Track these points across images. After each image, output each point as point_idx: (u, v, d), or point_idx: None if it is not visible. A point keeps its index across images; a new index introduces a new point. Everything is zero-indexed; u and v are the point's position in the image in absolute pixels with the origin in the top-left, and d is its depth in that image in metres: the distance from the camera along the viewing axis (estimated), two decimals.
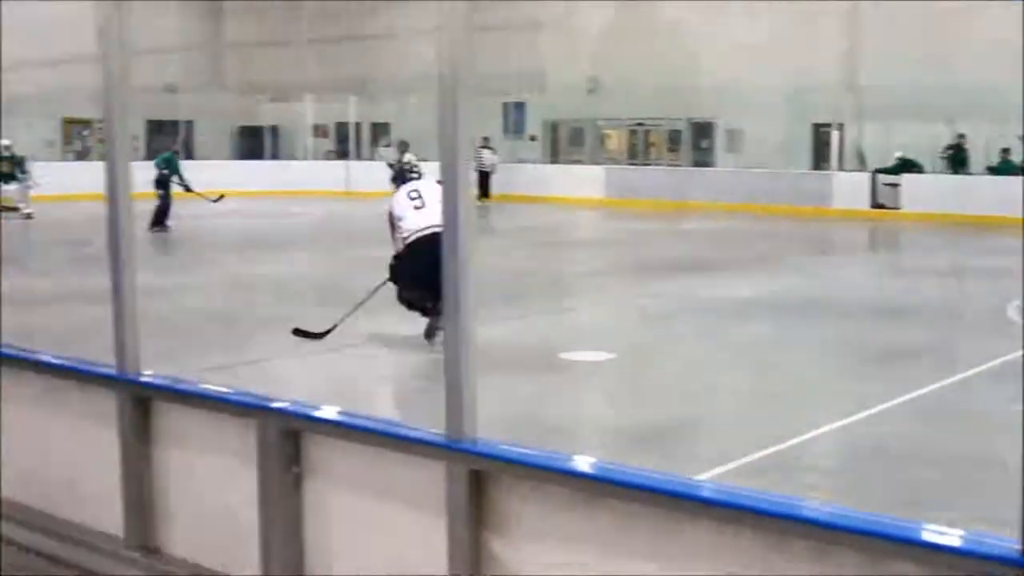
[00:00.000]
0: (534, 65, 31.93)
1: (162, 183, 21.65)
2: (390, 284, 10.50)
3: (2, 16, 27.06)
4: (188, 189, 22.33)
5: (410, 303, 10.34)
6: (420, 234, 10.00)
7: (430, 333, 10.11)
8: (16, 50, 29.48)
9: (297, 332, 10.43)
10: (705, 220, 25.99)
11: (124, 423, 4.69)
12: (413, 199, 10.34)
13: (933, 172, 28.03)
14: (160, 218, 21.75)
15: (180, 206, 22.88)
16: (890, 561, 2.83)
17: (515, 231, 23.24)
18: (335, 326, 10.35)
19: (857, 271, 18.85)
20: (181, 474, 4.66)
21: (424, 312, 10.24)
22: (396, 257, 10.45)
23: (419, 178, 10.71)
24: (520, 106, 35.26)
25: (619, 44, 31.38)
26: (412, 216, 10.20)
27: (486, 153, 31.01)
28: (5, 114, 31.69)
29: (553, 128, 36.08)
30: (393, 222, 10.48)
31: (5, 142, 25.43)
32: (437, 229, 10.55)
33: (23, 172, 25.14)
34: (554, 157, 35.72)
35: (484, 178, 30.63)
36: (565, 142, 36.14)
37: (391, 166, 12.47)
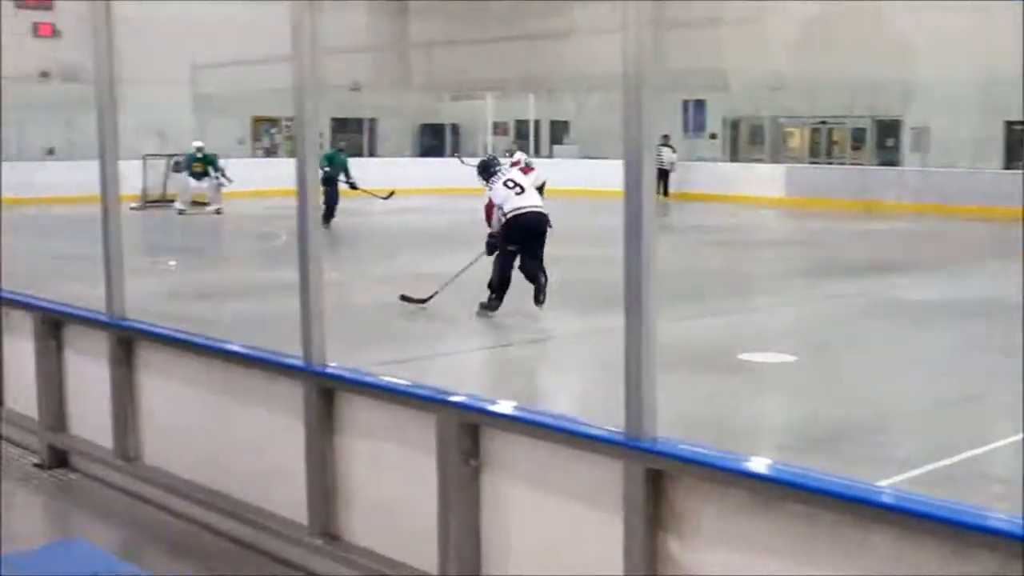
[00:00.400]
0: (715, 62, 31.58)
1: (328, 180, 22.00)
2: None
3: (193, 20, 28.15)
4: (354, 187, 22.58)
5: (504, 281, 11.68)
6: (521, 211, 11.70)
7: (538, 298, 11.61)
8: (208, 52, 30.62)
9: (403, 298, 12.08)
10: (890, 220, 25.30)
11: (309, 413, 4.83)
12: (511, 187, 11.83)
13: None
14: (325, 215, 22.15)
15: (365, 203, 23.37)
16: None
17: (694, 229, 23.03)
18: (436, 293, 11.97)
19: None
20: (362, 464, 4.77)
21: (534, 281, 11.63)
22: (493, 235, 11.94)
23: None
24: (700, 104, 34.91)
25: (804, 41, 30.78)
26: (513, 199, 11.74)
27: (665, 151, 30.83)
28: (198, 112, 32.92)
29: (733, 126, 35.61)
30: (492, 210, 11.97)
31: (198, 143, 26.37)
32: (537, 208, 11.85)
33: (216, 170, 26.02)
34: (734, 155, 35.25)
35: (663, 176, 30.47)
36: (745, 140, 35.63)
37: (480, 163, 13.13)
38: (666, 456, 3.59)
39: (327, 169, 22.10)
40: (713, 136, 35.48)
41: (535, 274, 11.67)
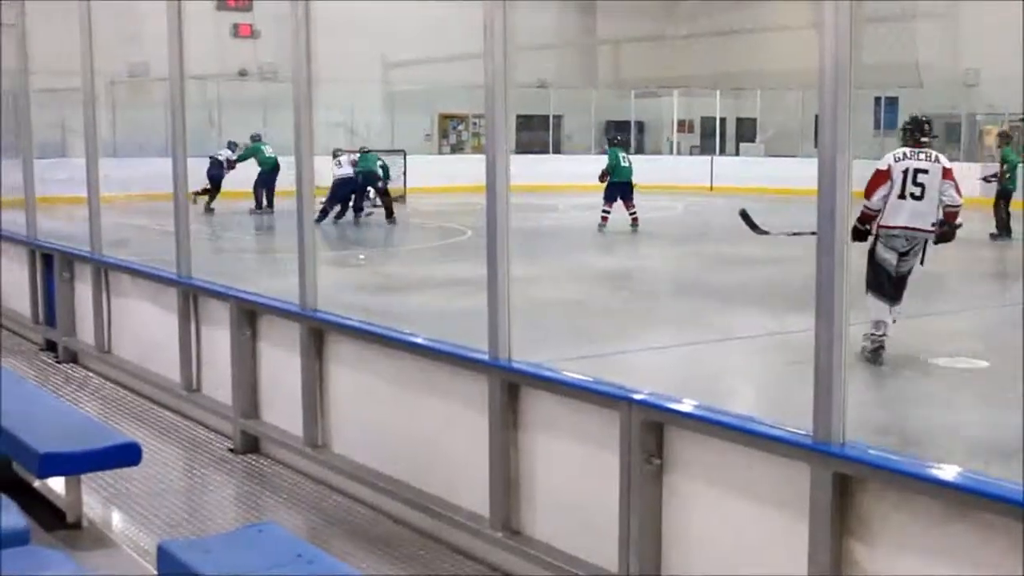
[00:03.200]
0: (909, 58, 30.69)
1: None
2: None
3: (387, 18, 28.71)
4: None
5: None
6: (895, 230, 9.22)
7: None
8: (400, 50, 31.21)
9: (744, 216, 10.35)
10: None
11: (493, 407, 4.88)
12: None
13: None
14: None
15: (551, 198, 23.47)
16: None
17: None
18: (769, 233, 10.44)
19: None
20: (544, 459, 4.80)
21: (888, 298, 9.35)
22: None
23: None
24: (892, 101, 33.99)
25: (1001, 34, 29.66)
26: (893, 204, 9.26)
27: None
28: (387, 109, 33.55)
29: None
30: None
31: (363, 147, 26.82)
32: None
33: (384, 175, 26.49)
34: None
35: None
36: (939, 138, 34.54)
37: None
38: (855, 461, 3.52)
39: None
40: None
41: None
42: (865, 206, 9.12)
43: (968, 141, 33.78)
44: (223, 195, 23.56)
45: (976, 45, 30.75)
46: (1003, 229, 19.68)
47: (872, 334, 9.08)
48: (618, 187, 20.58)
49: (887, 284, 9.33)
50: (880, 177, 9.21)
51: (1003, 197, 20.49)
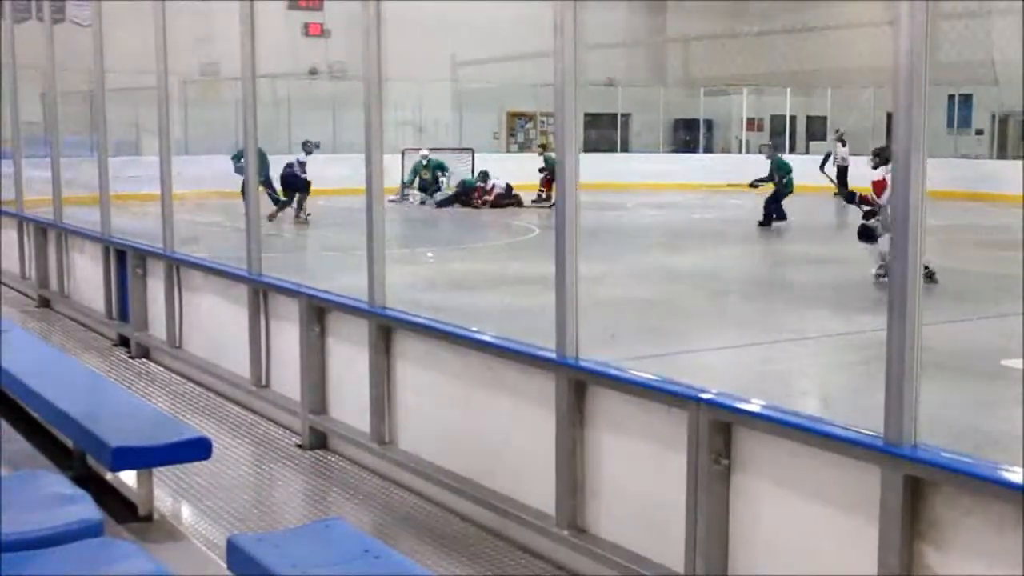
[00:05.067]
0: (983, 55, 30.22)
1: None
2: None
3: (457, 18, 28.77)
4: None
5: None
6: None
7: None
8: (469, 49, 31.29)
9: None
10: None
11: (560, 405, 4.87)
12: None
13: None
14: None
15: (619, 197, 23.42)
16: None
17: (957, 229, 22.12)
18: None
19: None
20: (611, 458, 4.79)
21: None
22: None
23: None
24: (967, 99, 33.51)
25: None
26: None
27: (840, 148, 30.13)
28: (456, 109, 33.67)
29: (1002, 122, 34.02)
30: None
31: (424, 152, 26.87)
32: None
33: (443, 174, 26.54)
34: (1001, 152, 33.69)
35: (842, 174, 29.70)
36: (1015, 136, 33.98)
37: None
38: (927, 464, 3.47)
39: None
40: (980, 132, 33.97)
41: None
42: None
43: None
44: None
45: None
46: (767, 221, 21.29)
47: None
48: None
49: None
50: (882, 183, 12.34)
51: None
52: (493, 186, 25.65)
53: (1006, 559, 3.30)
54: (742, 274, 14.77)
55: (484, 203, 25.24)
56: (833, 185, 29.32)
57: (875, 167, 13.23)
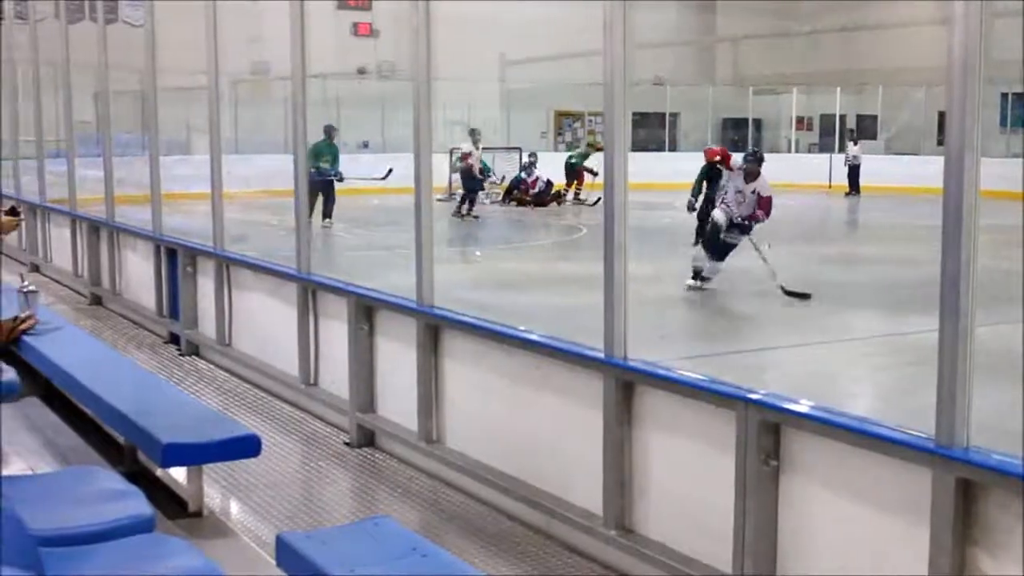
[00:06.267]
0: None
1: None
2: None
3: (507, 17, 28.78)
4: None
5: None
6: None
7: None
8: (518, 48, 31.29)
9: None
10: None
11: (608, 405, 4.87)
12: None
13: None
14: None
15: (663, 197, 23.29)
16: None
17: (1009, 229, 21.81)
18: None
19: None
20: (659, 458, 4.78)
21: None
22: None
23: None
24: (1021, 98, 33.08)
25: None
26: None
27: (851, 146, 30.02)
28: (504, 108, 33.67)
29: None
30: None
31: (464, 146, 26.87)
32: None
33: (485, 173, 26.54)
34: None
35: (853, 172, 29.61)
36: None
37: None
38: (979, 466, 3.44)
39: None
40: None
41: None
42: None
43: None
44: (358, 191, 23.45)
45: None
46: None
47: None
48: None
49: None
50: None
51: None
52: (536, 179, 25.64)
53: None
54: (792, 274, 14.64)
55: (528, 196, 25.23)
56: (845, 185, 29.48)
57: (753, 174, 12.61)
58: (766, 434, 4.13)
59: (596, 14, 4.86)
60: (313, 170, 18.56)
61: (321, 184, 18.35)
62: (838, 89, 35.40)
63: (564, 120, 36.43)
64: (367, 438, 6.84)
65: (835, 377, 9.50)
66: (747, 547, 4.17)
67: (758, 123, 38.80)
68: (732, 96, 38.06)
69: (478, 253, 18.05)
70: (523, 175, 26.09)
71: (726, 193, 12.84)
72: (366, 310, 6.86)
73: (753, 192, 12.55)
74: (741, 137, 38.26)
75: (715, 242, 12.64)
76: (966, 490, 3.47)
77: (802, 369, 9.78)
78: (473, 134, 24.32)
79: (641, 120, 34.77)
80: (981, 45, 3.47)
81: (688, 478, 4.64)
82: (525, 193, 25.50)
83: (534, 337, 5.54)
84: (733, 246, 12.75)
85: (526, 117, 34.36)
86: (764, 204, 12.58)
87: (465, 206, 22.75)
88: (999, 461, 3.42)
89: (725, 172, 13.55)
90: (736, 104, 37.88)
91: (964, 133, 3.51)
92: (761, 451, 4.12)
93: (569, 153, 28.11)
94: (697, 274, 12.56)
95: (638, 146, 30.75)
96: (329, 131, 20.02)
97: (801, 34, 34.17)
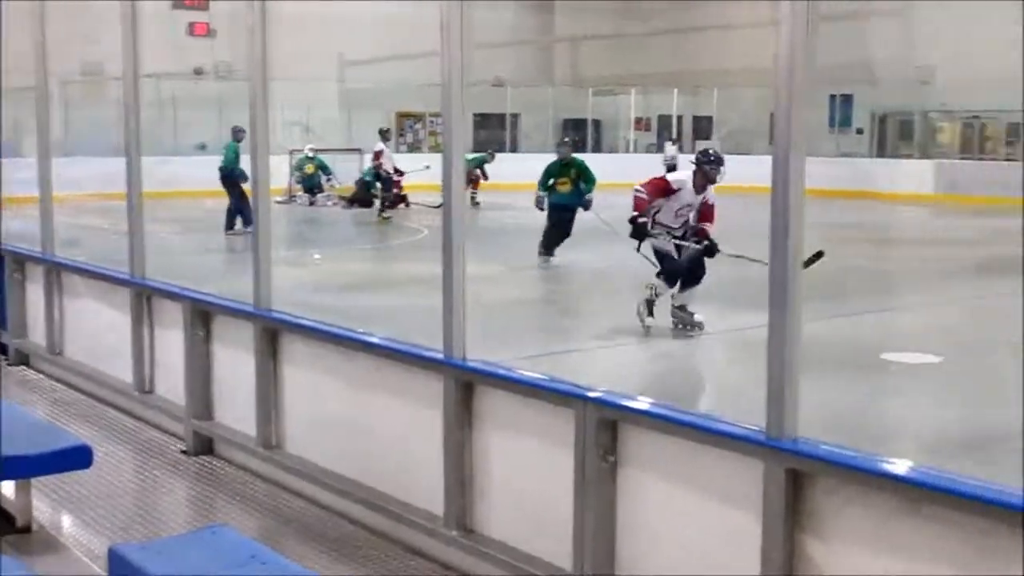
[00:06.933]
0: (863, 56, 30.92)
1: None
2: None
3: (343, 17, 28.61)
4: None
5: None
6: None
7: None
8: (356, 48, 31.10)
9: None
10: None
11: (448, 405, 4.86)
12: None
13: None
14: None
15: (511, 197, 23.45)
16: None
17: (838, 226, 22.55)
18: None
19: None
20: (499, 458, 4.79)
21: None
22: None
23: None
24: (847, 98, 34.25)
25: (955, 32, 29.96)
26: None
27: (669, 146, 31.03)
28: (344, 108, 33.44)
29: (881, 121, 34.87)
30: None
31: (310, 146, 26.70)
32: None
33: (326, 174, 26.42)
34: (881, 151, 34.53)
35: (671, 172, 30.52)
36: (893, 135, 34.87)
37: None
38: (807, 457, 3.54)
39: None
40: (860, 131, 34.77)
41: None
42: None
43: (922, 138, 34.12)
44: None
45: (930, 43, 31.00)
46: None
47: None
48: None
49: None
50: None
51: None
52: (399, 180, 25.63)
53: (886, 547, 3.38)
54: (628, 273, 14.85)
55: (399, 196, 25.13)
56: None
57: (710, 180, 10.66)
58: (604, 431, 4.18)
59: (434, 14, 4.85)
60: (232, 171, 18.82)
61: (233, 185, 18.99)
62: (675, 90, 36.14)
63: (406, 121, 36.35)
64: (204, 446, 6.71)
65: (673, 372, 9.70)
66: (586, 543, 4.22)
67: (597, 124, 39.34)
68: (572, 97, 38.49)
69: (317, 256, 17.89)
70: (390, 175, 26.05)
71: (658, 211, 10.68)
72: (202, 315, 6.73)
73: (702, 201, 10.71)
74: (581, 138, 38.75)
75: (675, 269, 10.76)
76: (795, 479, 3.56)
77: (641, 365, 9.95)
78: (383, 134, 24.34)
79: (482, 121, 34.93)
80: (806, 47, 3.56)
81: (528, 477, 4.67)
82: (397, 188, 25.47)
83: (373, 340, 5.51)
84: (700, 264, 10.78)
85: (367, 118, 34.17)
86: (709, 213, 10.78)
87: (377, 207, 22.80)
88: (826, 451, 3.53)
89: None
90: (576, 104, 38.33)
91: (790, 133, 3.60)
92: (599, 448, 4.16)
93: (467, 156, 28.08)
94: (651, 305, 10.70)
95: (479, 147, 30.89)
96: (236, 132, 19.82)
97: (638, 35, 34.77)
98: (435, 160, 24.13)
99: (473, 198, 26.31)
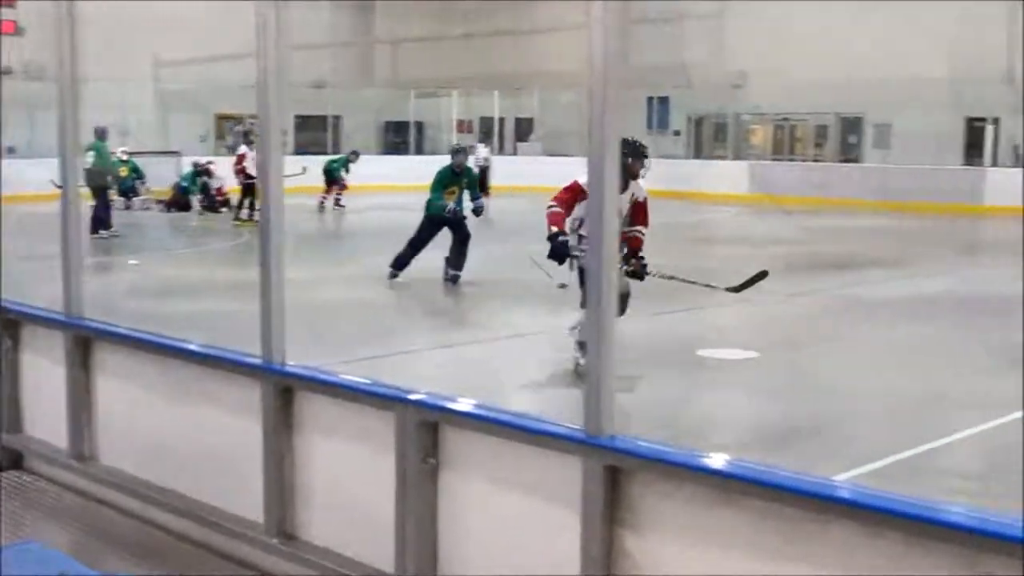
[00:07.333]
0: (679, 60, 31.67)
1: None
2: None
3: (157, 16, 27.97)
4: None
5: None
6: None
7: None
8: (172, 49, 30.44)
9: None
10: (851, 217, 25.47)
11: (267, 411, 4.79)
12: None
13: None
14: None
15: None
16: None
17: (657, 227, 22.99)
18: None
19: (1007, 271, 18.22)
20: (320, 463, 4.74)
21: None
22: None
23: None
24: (664, 101, 35.05)
25: (766, 37, 30.93)
26: None
27: (481, 148, 31.64)
28: (160, 109, 32.70)
29: (697, 123, 35.78)
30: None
31: (123, 149, 26.12)
32: None
33: (138, 177, 25.89)
34: (697, 152, 35.44)
35: (482, 173, 31.17)
36: (709, 137, 35.82)
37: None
38: (624, 453, 3.59)
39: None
40: (677, 133, 35.61)
41: None
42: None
43: (736, 140, 35.12)
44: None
45: (743, 47, 31.96)
46: None
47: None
48: None
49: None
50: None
51: None
52: (221, 186, 25.27)
53: (701, 538, 3.46)
54: (467, 274, 14.93)
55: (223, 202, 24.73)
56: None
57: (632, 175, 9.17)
58: (425, 433, 4.18)
59: (250, 14, 4.77)
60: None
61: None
62: (496, 93, 36.40)
63: (226, 123, 35.74)
64: (13, 460, 6.45)
65: (493, 373, 9.76)
66: (408, 546, 4.21)
67: (420, 126, 39.37)
68: (394, 98, 38.43)
69: (133, 261, 17.44)
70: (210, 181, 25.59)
71: (579, 224, 8.75)
72: (10, 324, 6.48)
73: (631, 201, 9.18)
74: (403, 140, 38.74)
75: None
76: (614, 476, 3.62)
77: (467, 366, 9.98)
78: (246, 136, 23.92)
79: (303, 123, 34.59)
80: (616, 52, 3.60)
81: (350, 481, 4.63)
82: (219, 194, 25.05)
83: (190, 347, 5.39)
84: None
85: (185, 120, 33.50)
86: (642, 213, 9.30)
87: (245, 211, 22.21)
88: (642, 447, 3.60)
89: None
90: (397, 106, 38.29)
91: (605, 136, 3.64)
92: (421, 450, 4.16)
93: (332, 159, 27.82)
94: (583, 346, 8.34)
95: (300, 149, 30.62)
96: (100, 132, 19.27)
97: (455, 37, 34.88)
98: (307, 161, 23.75)
99: (338, 201, 26.18)
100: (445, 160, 14.95)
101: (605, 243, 3.65)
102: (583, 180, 8.36)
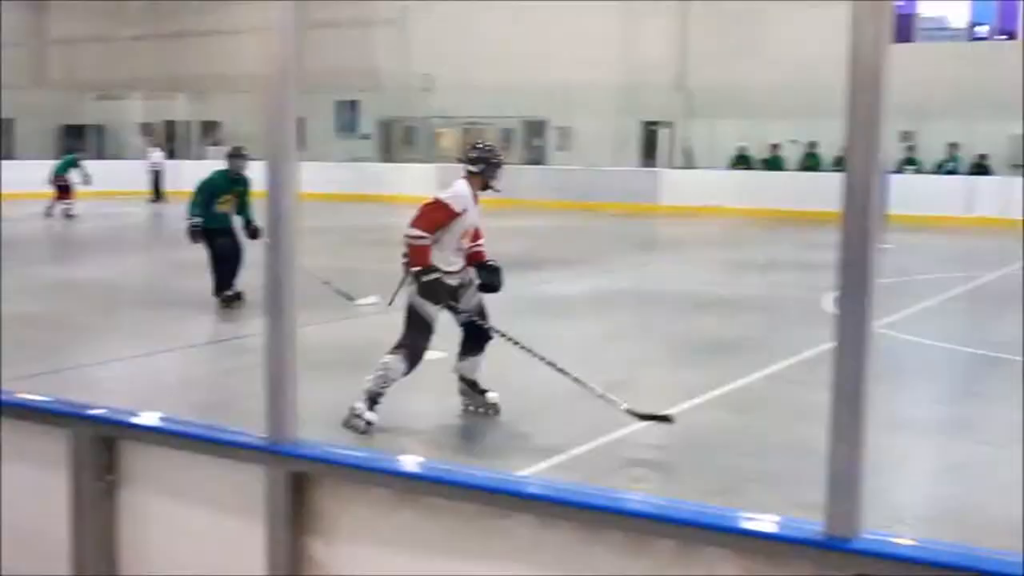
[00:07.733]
0: (367, 63, 31.76)
1: None
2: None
3: None
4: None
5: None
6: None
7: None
8: None
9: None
10: (534, 217, 26.19)
11: None
12: None
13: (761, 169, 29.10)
14: None
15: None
16: (704, 547, 2.90)
17: (345, 229, 23.01)
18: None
19: (683, 266, 19.23)
20: None
21: None
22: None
23: None
24: (353, 104, 35.08)
25: (452, 43, 31.44)
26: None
27: (154, 153, 31.66)
28: None
29: (386, 127, 35.98)
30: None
31: None
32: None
33: None
34: (387, 155, 35.64)
35: (155, 178, 31.21)
36: (399, 141, 36.09)
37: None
38: (308, 459, 3.56)
39: None
40: (366, 136, 35.73)
41: None
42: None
43: (425, 143, 35.53)
44: None
45: (429, 52, 32.36)
46: None
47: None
48: None
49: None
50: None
51: None
52: None
53: (386, 539, 3.47)
54: (132, 283, 14.48)
55: None
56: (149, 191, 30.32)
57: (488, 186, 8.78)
58: (103, 450, 4.01)
59: None
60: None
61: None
62: (180, 95, 35.54)
63: None
64: None
65: (175, 385, 9.52)
66: (87, 567, 4.04)
67: (101, 129, 37.96)
68: (72, 101, 36.91)
69: None
70: None
71: (442, 250, 8.30)
72: None
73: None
74: (83, 144, 37.23)
75: (472, 330, 8.79)
76: (299, 482, 3.58)
77: (147, 379, 9.69)
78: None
79: None
80: (294, 55, 3.56)
81: (24, 504, 4.39)
82: None
83: None
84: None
85: None
86: (476, 230, 8.75)
87: None
88: (325, 452, 3.57)
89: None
90: (76, 109, 36.79)
91: (283, 139, 3.60)
92: (97, 468, 3.99)
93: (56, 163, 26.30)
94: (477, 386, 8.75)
95: None
96: None
97: (128, 39, 33.85)
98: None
99: (66, 211, 24.82)
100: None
101: (284, 245, 3.61)
102: (448, 198, 8.34)
